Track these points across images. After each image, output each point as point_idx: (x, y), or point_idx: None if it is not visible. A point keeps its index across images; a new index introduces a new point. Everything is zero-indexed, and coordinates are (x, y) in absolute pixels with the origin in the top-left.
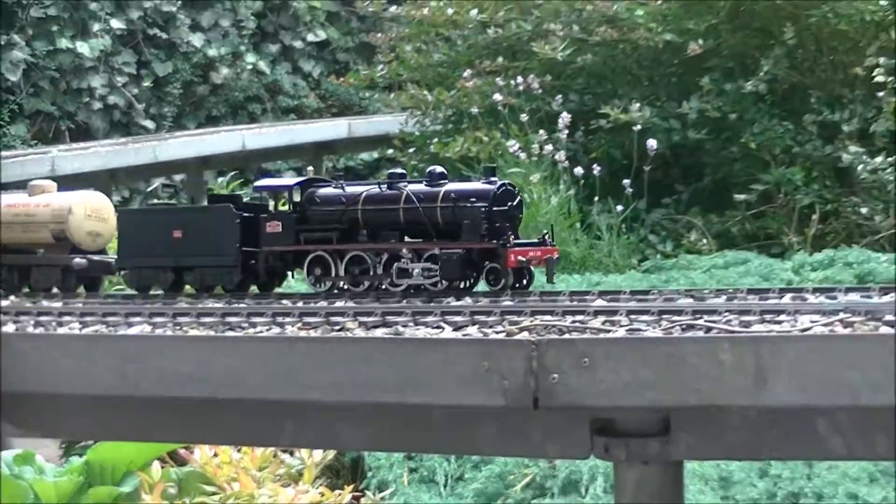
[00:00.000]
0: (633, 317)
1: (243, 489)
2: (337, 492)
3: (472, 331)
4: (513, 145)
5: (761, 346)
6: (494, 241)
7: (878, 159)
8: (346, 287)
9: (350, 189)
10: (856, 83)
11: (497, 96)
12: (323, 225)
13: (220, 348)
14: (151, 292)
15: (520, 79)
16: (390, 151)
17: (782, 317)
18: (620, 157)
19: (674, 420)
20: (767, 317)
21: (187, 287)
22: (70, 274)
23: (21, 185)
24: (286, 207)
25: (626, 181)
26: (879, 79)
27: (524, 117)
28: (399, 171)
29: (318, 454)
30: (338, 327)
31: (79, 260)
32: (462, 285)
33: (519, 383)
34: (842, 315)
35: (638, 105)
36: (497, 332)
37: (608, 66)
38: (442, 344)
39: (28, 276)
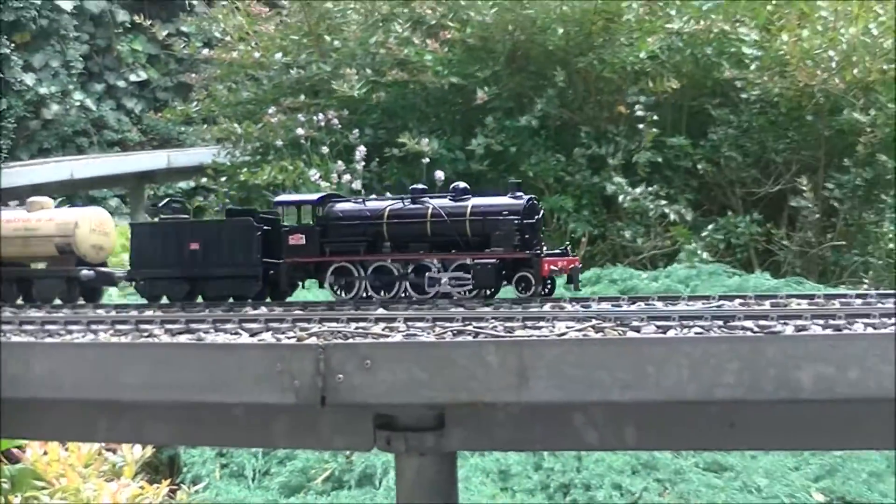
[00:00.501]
0: (409, 323)
1: (70, 484)
2: (155, 486)
3: (267, 336)
4: (314, 174)
5: (523, 349)
6: (528, 252)
7: (639, 189)
8: (369, 295)
9: (372, 204)
10: (620, 120)
11: (300, 130)
12: (348, 237)
13: (39, 353)
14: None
15: (320, 115)
16: (204, 180)
17: (542, 323)
18: (411, 185)
19: (448, 416)
20: (529, 323)
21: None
22: (74, 285)
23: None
24: (306, 222)
25: None
26: (640, 113)
27: (325, 149)
28: (421, 186)
29: (137, 451)
30: (146, 334)
31: (86, 272)
32: (487, 292)
33: (308, 383)
34: (594, 322)
35: (427, 139)
36: (289, 338)
37: (399, 104)
38: (240, 348)
39: (27, 287)
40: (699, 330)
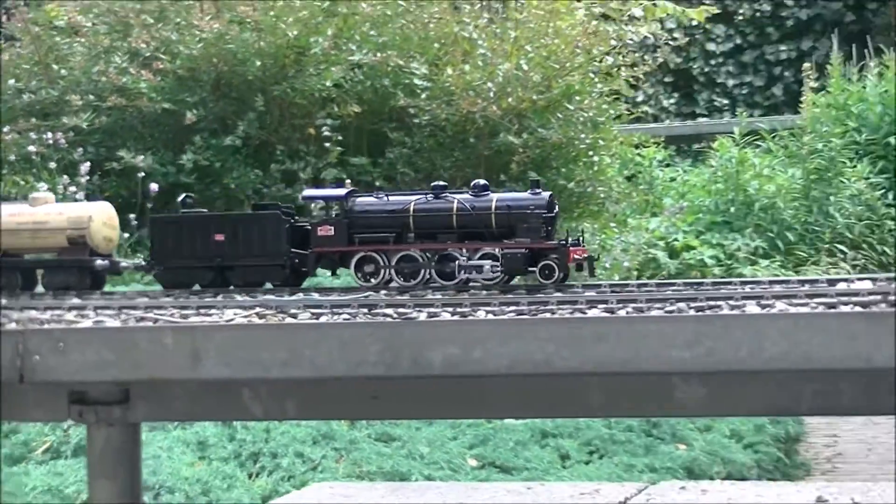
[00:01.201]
0: (98, 311)
1: None
2: None
3: None
4: (43, 187)
5: (196, 332)
6: (555, 242)
7: None
8: (391, 280)
9: (395, 198)
10: (310, 140)
11: (31, 147)
12: (376, 229)
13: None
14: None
15: (49, 134)
16: None
17: (213, 311)
18: (128, 196)
19: (133, 391)
20: (202, 311)
21: None
22: (86, 274)
23: None
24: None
25: (132, 215)
26: (327, 133)
27: (53, 165)
28: (441, 182)
29: None
30: None
31: (101, 262)
32: (507, 280)
33: (10, 363)
34: (258, 309)
35: (142, 156)
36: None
37: (119, 125)
38: None
39: (31, 277)
40: (347, 316)
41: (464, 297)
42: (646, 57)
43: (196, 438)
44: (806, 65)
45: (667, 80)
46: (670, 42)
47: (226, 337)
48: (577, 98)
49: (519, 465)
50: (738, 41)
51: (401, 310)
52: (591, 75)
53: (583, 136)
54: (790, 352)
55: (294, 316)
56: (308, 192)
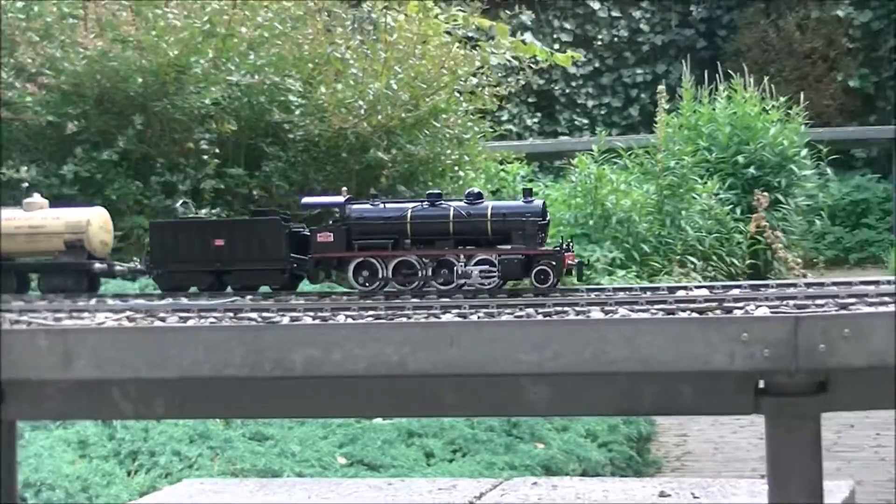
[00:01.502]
0: None
1: None
2: None
3: None
4: None
5: (69, 335)
6: (553, 248)
7: (204, 211)
8: (392, 287)
9: (392, 206)
10: (189, 154)
11: None
12: (374, 235)
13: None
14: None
15: None
16: None
17: (86, 314)
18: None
19: (8, 391)
20: (75, 314)
21: None
22: (83, 277)
23: None
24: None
25: None
26: (205, 146)
27: None
28: (436, 191)
29: None
30: None
31: (99, 265)
32: (501, 284)
33: None
34: (128, 313)
35: (26, 167)
36: None
37: (5, 138)
38: None
39: (25, 280)
40: (213, 320)
41: (325, 302)
42: (510, 78)
43: (77, 437)
44: (660, 87)
45: (530, 100)
46: (532, 65)
47: (97, 339)
48: (444, 116)
49: (386, 463)
50: (598, 65)
51: (265, 314)
52: (457, 95)
53: (449, 151)
54: (631, 355)
55: (162, 319)
56: (307, 199)
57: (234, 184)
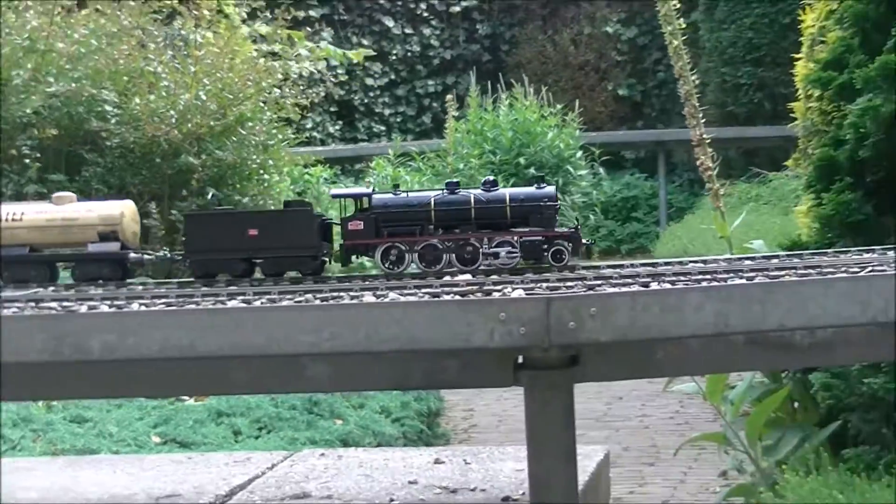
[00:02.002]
0: None
1: None
2: None
3: None
4: None
5: None
6: (569, 229)
7: None
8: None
9: (415, 195)
10: (13, 161)
11: None
12: (402, 222)
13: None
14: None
15: None
16: None
17: None
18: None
19: None
20: None
21: None
22: (117, 266)
23: None
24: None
25: None
26: (27, 153)
27: None
28: (455, 180)
29: None
30: None
31: (134, 255)
32: (521, 263)
33: None
34: None
35: None
36: None
37: None
38: None
39: (55, 270)
40: (16, 309)
41: (121, 292)
42: (312, 90)
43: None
44: (449, 97)
45: (332, 109)
46: (332, 79)
47: None
48: (249, 124)
49: (197, 441)
50: (393, 77)
51: (65, 303)
52: (262, 104)
53: (254, 157)
54: (400, 335)
55: None
56: (335, 190)
57: (55, 188)
